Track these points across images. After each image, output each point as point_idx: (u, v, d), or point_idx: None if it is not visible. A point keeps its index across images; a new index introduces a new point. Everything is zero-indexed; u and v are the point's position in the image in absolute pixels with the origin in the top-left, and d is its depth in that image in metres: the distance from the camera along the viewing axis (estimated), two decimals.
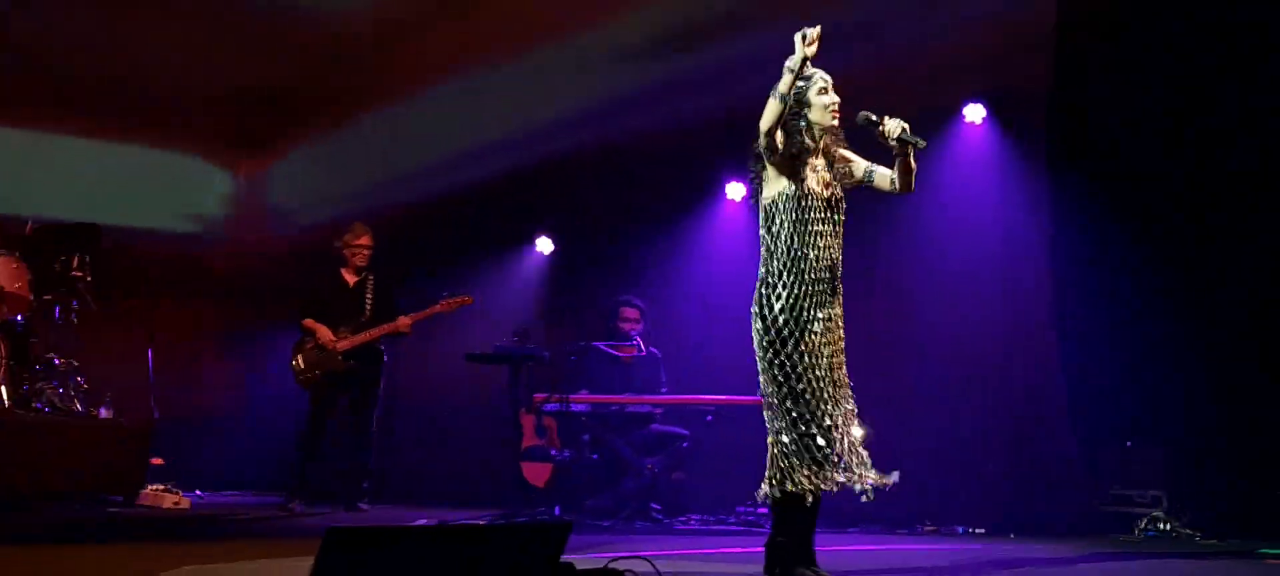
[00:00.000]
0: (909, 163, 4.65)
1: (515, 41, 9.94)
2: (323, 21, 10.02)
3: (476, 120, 10.71)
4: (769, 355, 4.58)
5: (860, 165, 4.79)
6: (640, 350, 8.48)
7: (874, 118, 4.67)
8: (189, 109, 10.99)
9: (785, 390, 4.54)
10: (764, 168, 4.71)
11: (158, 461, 8.68)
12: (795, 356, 4.53)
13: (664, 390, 8.49)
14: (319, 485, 8.45)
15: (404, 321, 8.24)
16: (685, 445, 8.24)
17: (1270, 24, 7.24)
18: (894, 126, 4.62)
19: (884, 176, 4.75)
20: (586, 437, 8.26)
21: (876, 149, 4.77)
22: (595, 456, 8.22)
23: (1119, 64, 7.94)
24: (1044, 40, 8.21)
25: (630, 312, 8.63)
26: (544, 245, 11.01)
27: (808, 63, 4.52)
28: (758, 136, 4.62)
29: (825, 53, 4.62)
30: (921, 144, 4.61)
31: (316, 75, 10.73)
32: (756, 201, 4.76)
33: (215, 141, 11.57)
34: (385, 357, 8.44)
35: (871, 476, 4.59)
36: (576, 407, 8.18)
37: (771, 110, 4.56)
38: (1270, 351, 7.34)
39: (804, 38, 4.48)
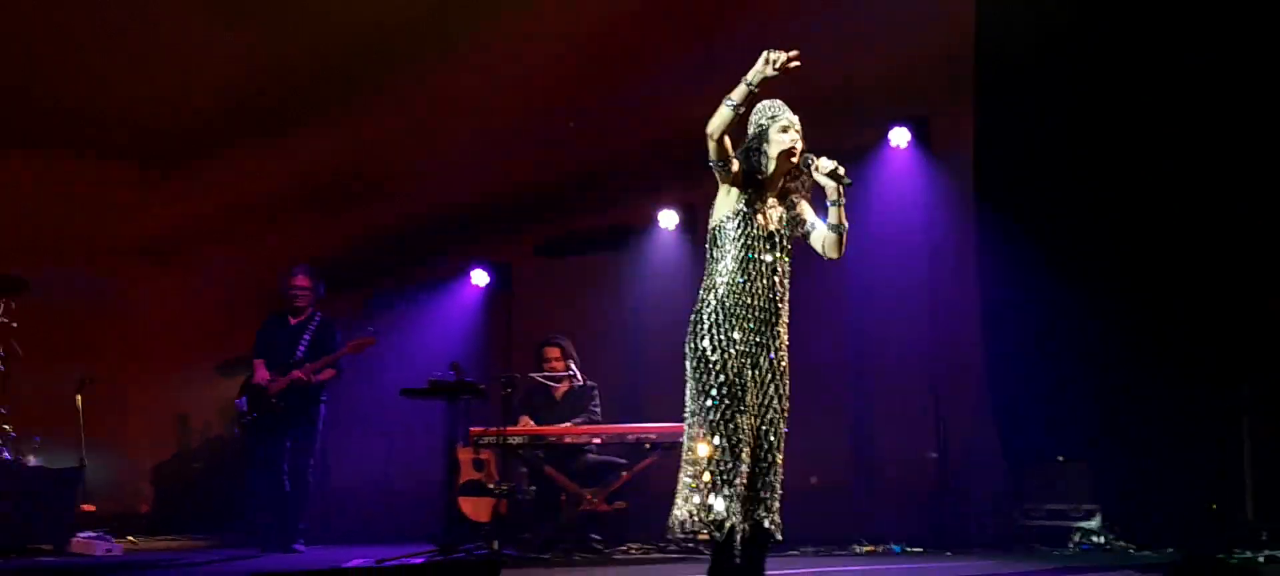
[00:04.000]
0: (841, 214, 4.67)
1: (458, 71, 9.93)
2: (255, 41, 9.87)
3: (413, 149, 10.68)
4: (693, 378, 4.61)
5: (807, 214, 4.82)
6: (578, 380, 8.46)
7: (810, 158, 4.71)
8: (113, 133, 10.76)
9: (702, 416, 4.56)
10: (718, 188, 4.75)
11: (88, 508, 8.53)
12: (719, 383, 4.54)
13: (595, 413, 8.49)
14: (255, 526, 8.35)
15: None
16: (625, 475, 8.23)
17: (1187, 46, 7.43)
18: (826, 163, 4.66)
19: (820, 235, 4.76)
20: (524, 470, 8.25)
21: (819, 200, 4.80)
22: (534, 488, 8.20)
23: (1043, 82, 8.08)
24: (968, 63, 8.35)
25: (552, 352, 8.60)
26: (479, 277, 10.98)
27: (765, 81, 4.52)
28: (708, 148, 4.64)
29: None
30: (848, 182, 4.64)
31: (247, 98, 10.58)
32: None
33: (142, 178, 11.36)
34: (323, 397, 8.36)
35: (776, 518, 4.60)
36: (514, 440, 8.15)
37: (720, 115, 4.56)
38: (1196, 365, 7.49)
39: (768, 59, 4.51)
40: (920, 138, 8.72)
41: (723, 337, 4.57)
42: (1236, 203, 7.33)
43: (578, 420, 8.29)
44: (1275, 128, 7.07)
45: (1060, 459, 7.77)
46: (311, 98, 10.17)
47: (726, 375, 4.54)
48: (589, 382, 8.52)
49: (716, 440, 4.50)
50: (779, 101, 4.80)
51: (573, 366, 8.49)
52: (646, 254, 10.17)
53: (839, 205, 4.67)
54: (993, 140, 8.29)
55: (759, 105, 4.78)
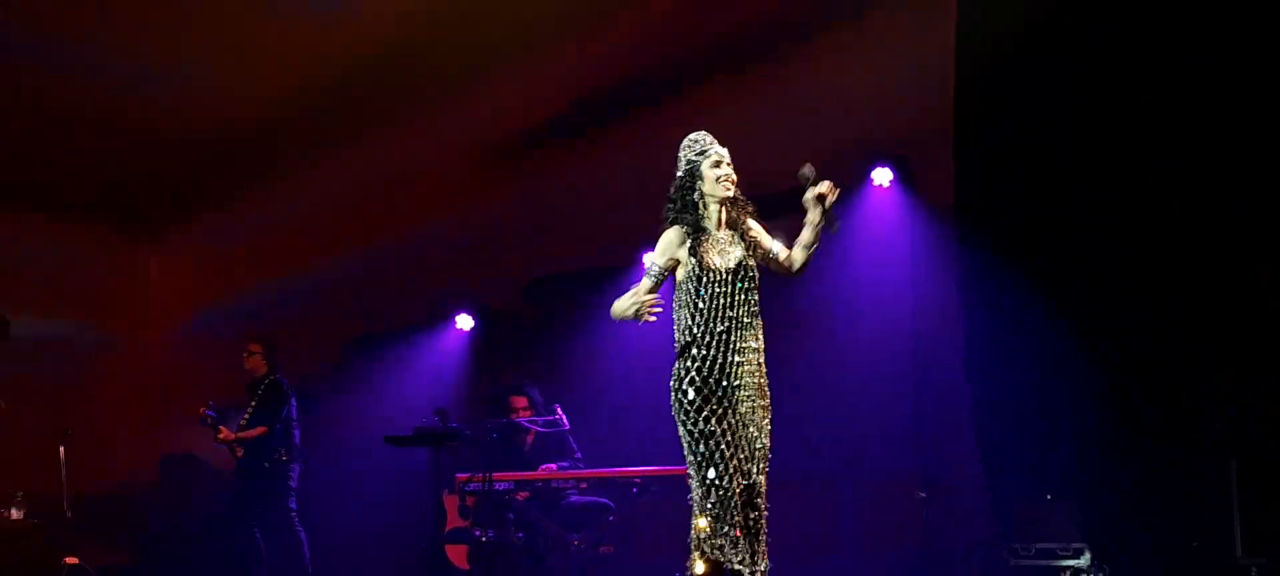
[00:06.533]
0: (817, 233, 4.67)
1: (424, 117, 9.92)
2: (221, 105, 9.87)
3: (397, 193, 10.66)
4: (682, 428, 4.61)
5: (767, 241, 4.81)
6: (565, 424, 8.42)
7: (810, 176, 4.68)
8: (97, 194, 10.74)
9: (696, 463, 4.56)
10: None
11: (72, 560, 8.49)
12: (707, 430, 4.54)
13: (576, 455, 8.45)
14: None
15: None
16: (611, 518, 8.19)
17: (1168, 80, 7.48)
18: (826, 186, 4.64)
19: (781, 253, 4.76)
20: (511, 516, 8.20)
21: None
22: (521, 535, 8.15)
23: (1023, 119, 8.10)
24: (947, 101, 8.37)
25: (519, 401, 8.59)
26: (464, 321, 10.93)
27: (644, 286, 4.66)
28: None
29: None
30: (835, 224, 4.64)
31: (225, 159, 10.57)
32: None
33: (121, 229, 11.32)
34: (280, 458, 8.45)
35: (762, 567, 4.60)
36: (500, 486, 8.11)
37: (615, 310, 4.65)
38: (1183, 403, 7.49)
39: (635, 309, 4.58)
40: (903, 177, 8.74)
41: (699, 383, 4.57)
42: (1224, 236, 7.35)
43: (563, 465, 8.27)
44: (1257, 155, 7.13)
45: (1048, 497, 7.75)
46: (292, 142, 10.17)
47: (703, 421, 4.54)
48: (562, 427, 8.44)
49: (703, 488, 4.51)
50: (704, 133, 4.80)
51: (542, 413, 8.47)
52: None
53: (817, 226, 4.65)
54: (973, 180, 8.31)
55: (686, 139, 4.78)
